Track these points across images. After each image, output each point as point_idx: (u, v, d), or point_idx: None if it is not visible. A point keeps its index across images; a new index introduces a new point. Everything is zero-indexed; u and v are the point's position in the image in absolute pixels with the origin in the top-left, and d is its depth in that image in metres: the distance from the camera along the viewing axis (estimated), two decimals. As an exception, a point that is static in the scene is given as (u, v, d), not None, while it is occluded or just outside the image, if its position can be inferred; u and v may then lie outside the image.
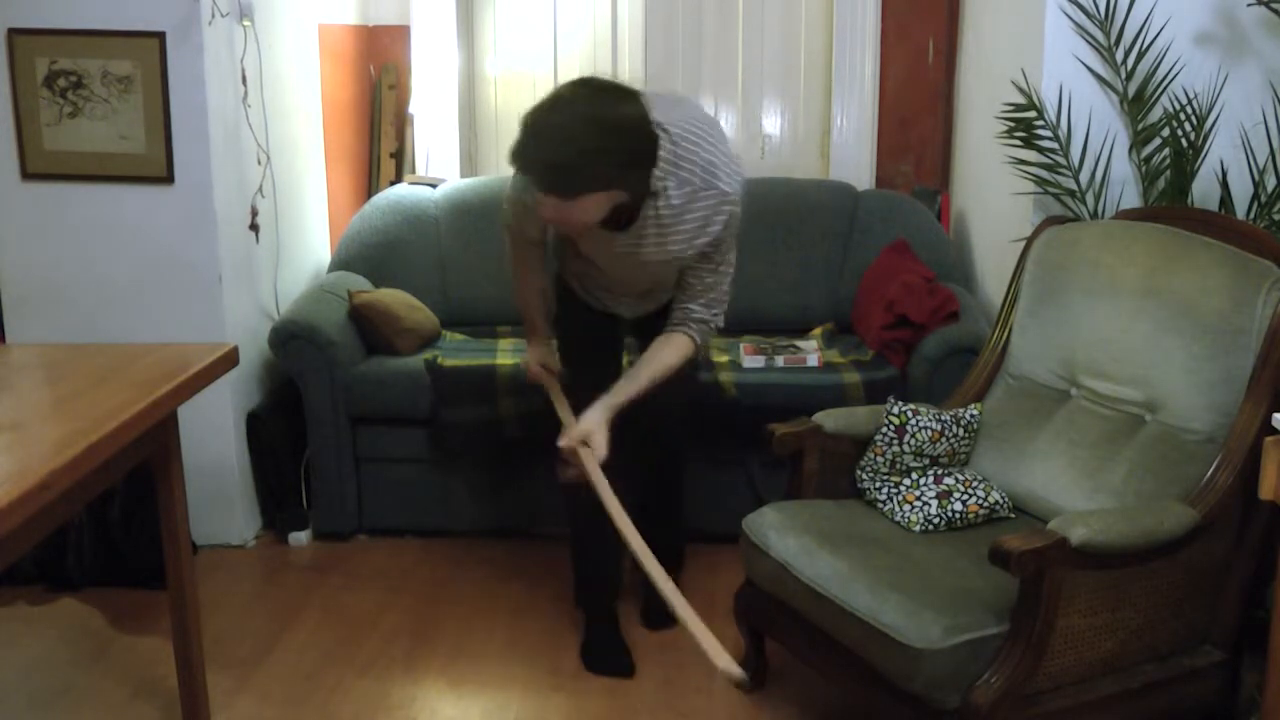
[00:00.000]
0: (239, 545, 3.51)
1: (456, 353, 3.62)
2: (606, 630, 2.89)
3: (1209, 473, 2.25)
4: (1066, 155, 3.00)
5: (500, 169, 4.75)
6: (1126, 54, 2.95)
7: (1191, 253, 2.46)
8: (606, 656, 2.84)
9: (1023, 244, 2.86)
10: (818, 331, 3.81)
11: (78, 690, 2.75)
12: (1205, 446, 2.32)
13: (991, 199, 3.66)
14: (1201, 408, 2.35)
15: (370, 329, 3.57)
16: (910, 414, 2.63)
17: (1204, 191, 2.97)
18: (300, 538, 3.54)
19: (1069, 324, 2.64)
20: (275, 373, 3.64)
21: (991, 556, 2.02)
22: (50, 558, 3.20)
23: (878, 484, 2.63)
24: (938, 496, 2.54)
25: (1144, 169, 2.98)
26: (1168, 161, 2.91)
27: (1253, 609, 2.36)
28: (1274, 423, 2.06)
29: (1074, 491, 2.47)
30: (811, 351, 3.52)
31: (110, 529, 3.22)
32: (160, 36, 3.15)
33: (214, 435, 3.39)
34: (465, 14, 4.61)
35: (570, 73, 4.62)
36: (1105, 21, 2.94)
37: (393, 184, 4.30)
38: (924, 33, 4.26)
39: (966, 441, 2.71)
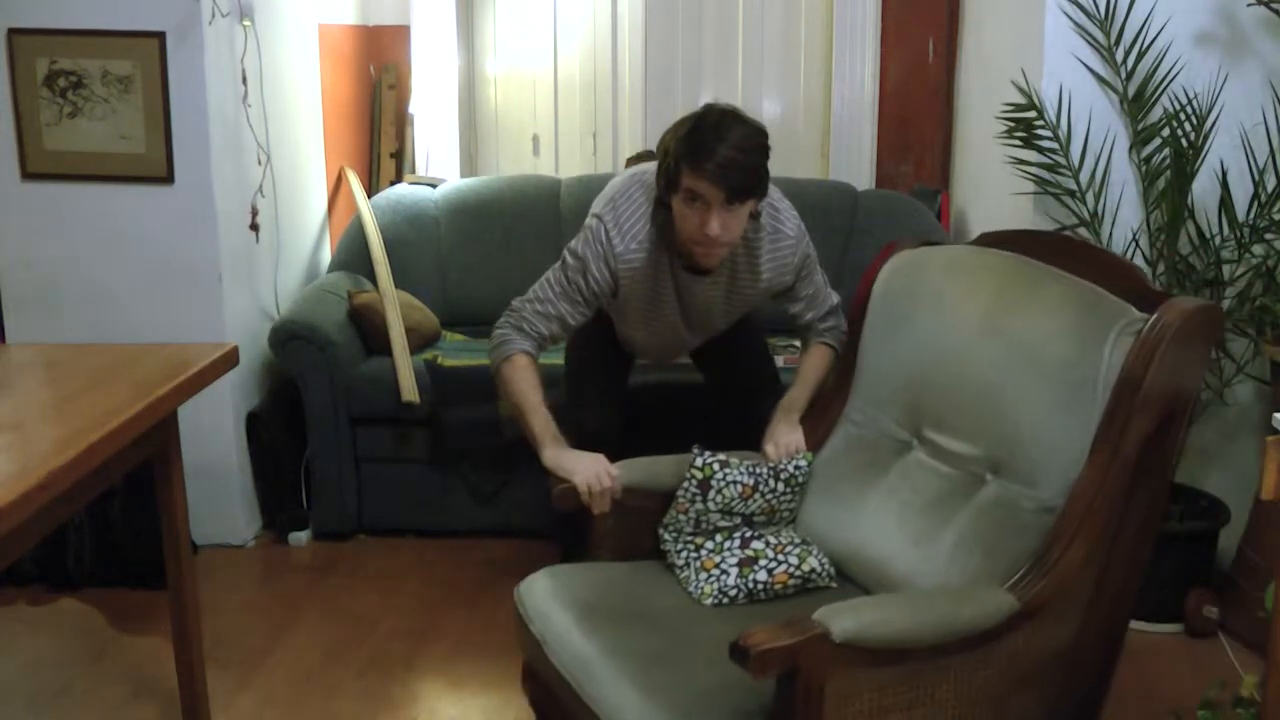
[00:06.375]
0: (239, 545, 3.51)
1: (456, 353, 3.62)
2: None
3: (1039, 549, 1.89)
4: (1066, 155, 3.00)
5: (500, 169, 4.75)
6: (1126, 54, 2.95)
7: (1038, 287, 2.09)
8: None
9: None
10: (818, 331, 3.79)
11: (78, 690, 2.75)
12: (1042, 518, 1.95)
13: (991, 199, 3.66)
14: (1046, 471, 1.97)
15: (370, 329, 3.57)
16: (717, 466, 2.26)
17: (1204, 191, 2.97)
18: (300, 538, 3.54)
19: (911, 365, 2.26)
20: (275, 373, 3.64)
21: (731, 653, 1.64)
22: (50, 558, 3.20)
23: (679, 546, 2.27)
24: (740, 564, 2.20)
25: (1144, 169, 2.99)
26: (1168, 161, 2.92)
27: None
28: (1274, 423, 2.03)
29: (900, 561, 2.12)
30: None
31: (110, 529, 3.22)
32: (160, 36, 3.15)
33: (214, 435, 3.39)
34: (465, 14, 4.62)
35: (570, 73, 4.64)
36: (1105, 21, 2.94)
37: (393, 184, 4.30)
38: (924, 33, 4.26)
39: (789, 497, 2.34)
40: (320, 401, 3.45)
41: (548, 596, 2.12)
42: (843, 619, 1.68)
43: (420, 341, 3.65)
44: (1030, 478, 1.99)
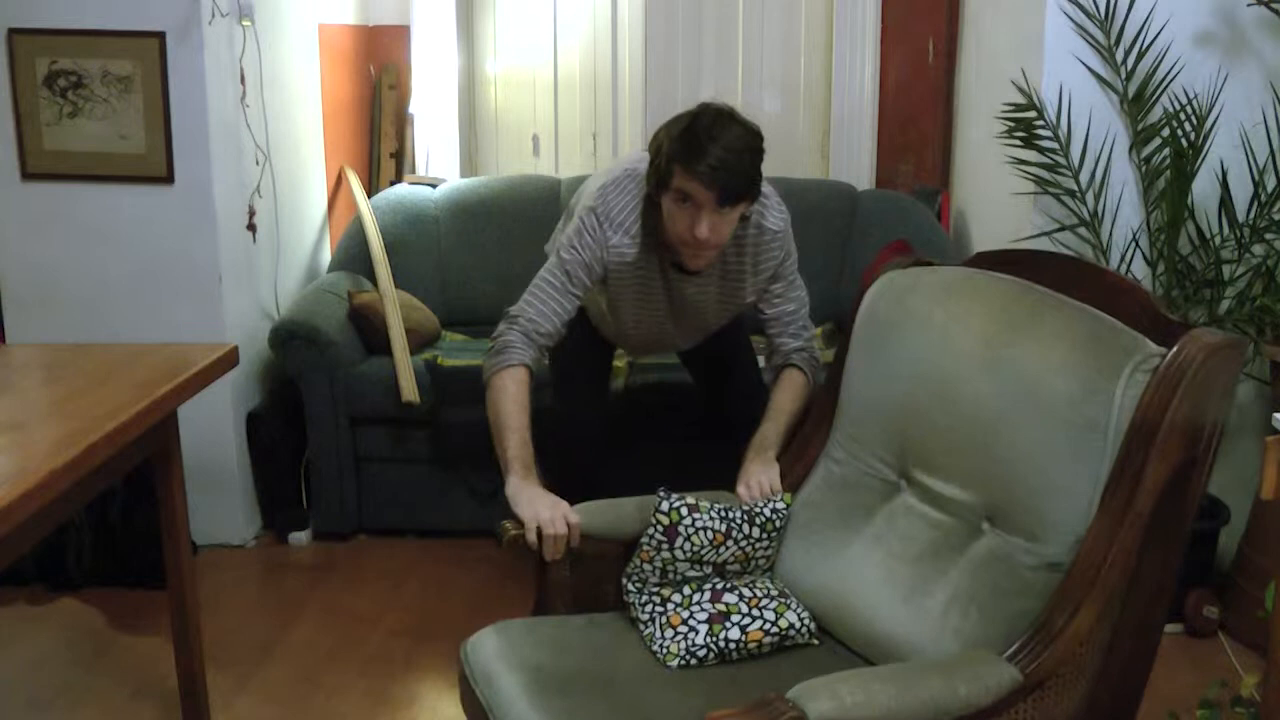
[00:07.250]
0: (239, 545, 3.51)
1: (457, 353, 3.63)
2: None
3: (1043, 613, 1.70)
4: (1066, 155, 3.00)
5: (500, 169, 4.75)
6: (1126, 54, 2.95)
7: (1040, 316, 1.86)
8: None
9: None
10: (818, 331, 3.80)
11: (78, 690, 2.75)
12: (1045, 576, 1.75)
13: (991, 199, 3.66)
14: (1049, 523, 1.77)
15: (370, 329, 3.57)
16: (685, 510, 2.04)
17: (1204, 191, 2.97)
18: (300, 538, 3.54)
19: (899, 398, 2.04)
20: (275, 373, 3.64)
21: None
22: (50, 558, 3.20)
23: (644, 598, 2.05)
24: (710, 620, 1.98)
25: (1144, 169, 2.99)
26: (1168, 161, 2.92)
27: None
28: (1274, 423, 2.04)
29: (887, 618, 1.92)
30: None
31: (110, 529, 3.22)
32: (160, 36, 3.16)
33: (214, 435, 3.39)
34: (465, 14, 4.61)
35: (570, 72, 4.63)
36: (1105, 21, 2.94)
37: (393, 184, 4.30)
38: (924, 33, 4.26)
39: (765, 544, 2.12)
40: (320, 401, 3.45)
41: (495, 657, 1.92)
42: (820, 701, 1.50)
43: (420, 341, 3.65)
44: (1031, 530, 1.79)
